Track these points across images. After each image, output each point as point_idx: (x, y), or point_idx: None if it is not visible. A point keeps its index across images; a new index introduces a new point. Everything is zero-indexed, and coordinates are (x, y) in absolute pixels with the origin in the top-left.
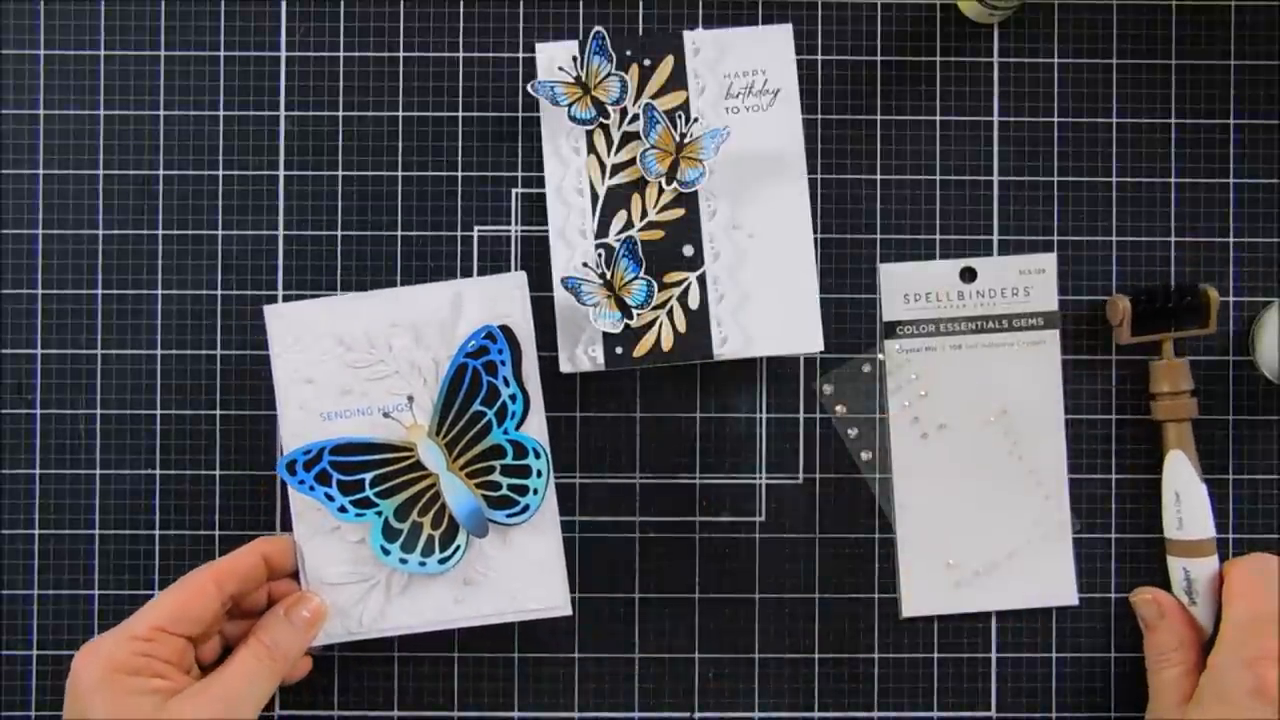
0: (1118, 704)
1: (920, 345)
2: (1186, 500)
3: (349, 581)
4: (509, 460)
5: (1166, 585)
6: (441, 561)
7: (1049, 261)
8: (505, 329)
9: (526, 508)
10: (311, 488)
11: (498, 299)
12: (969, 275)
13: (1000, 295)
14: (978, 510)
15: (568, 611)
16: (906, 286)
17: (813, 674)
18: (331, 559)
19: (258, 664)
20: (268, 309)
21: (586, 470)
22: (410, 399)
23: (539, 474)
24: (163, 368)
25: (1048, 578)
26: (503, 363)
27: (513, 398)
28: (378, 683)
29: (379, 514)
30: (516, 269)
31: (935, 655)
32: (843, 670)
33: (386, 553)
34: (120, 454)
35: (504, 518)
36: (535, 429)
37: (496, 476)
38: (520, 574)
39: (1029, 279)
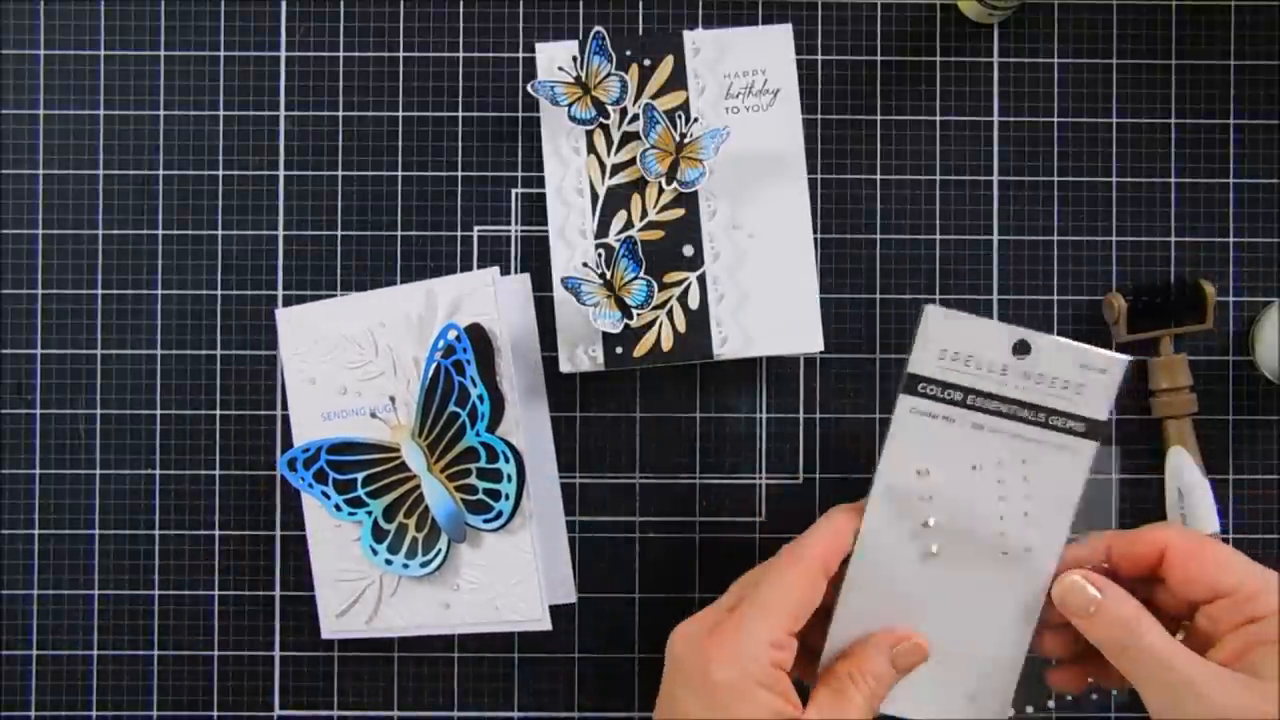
0: (1117, 703)
1: (939, 412)
2: (1190, 496)
3: (350, 579)
4: (483, 463)
5: None
6: (423, 564)
7: (1116, 365)
8: (473, 328)
9: (500, 514)
10: (310, 485)
11: (469, 296)
12: (1022, 348)
13: (1049, 383)
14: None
15: (547, 626)
16: (949, 341)
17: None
18: (336, 555)
19: (865, 703)
20: (279, 313)
21: (586, 470)
22: (393, 399)
23: (509, 478)
24: (163, 368)
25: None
26: (468, 362)
27: (480, 398)
28: (378, 683)
29: (369, 514)
30: (517, 269)
31: None
32: None
33: (375, 553)
34: (120, 454)
35: (481, 523)
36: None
37: (473, 480)
38: (499, 585)
39: (1087, 376)
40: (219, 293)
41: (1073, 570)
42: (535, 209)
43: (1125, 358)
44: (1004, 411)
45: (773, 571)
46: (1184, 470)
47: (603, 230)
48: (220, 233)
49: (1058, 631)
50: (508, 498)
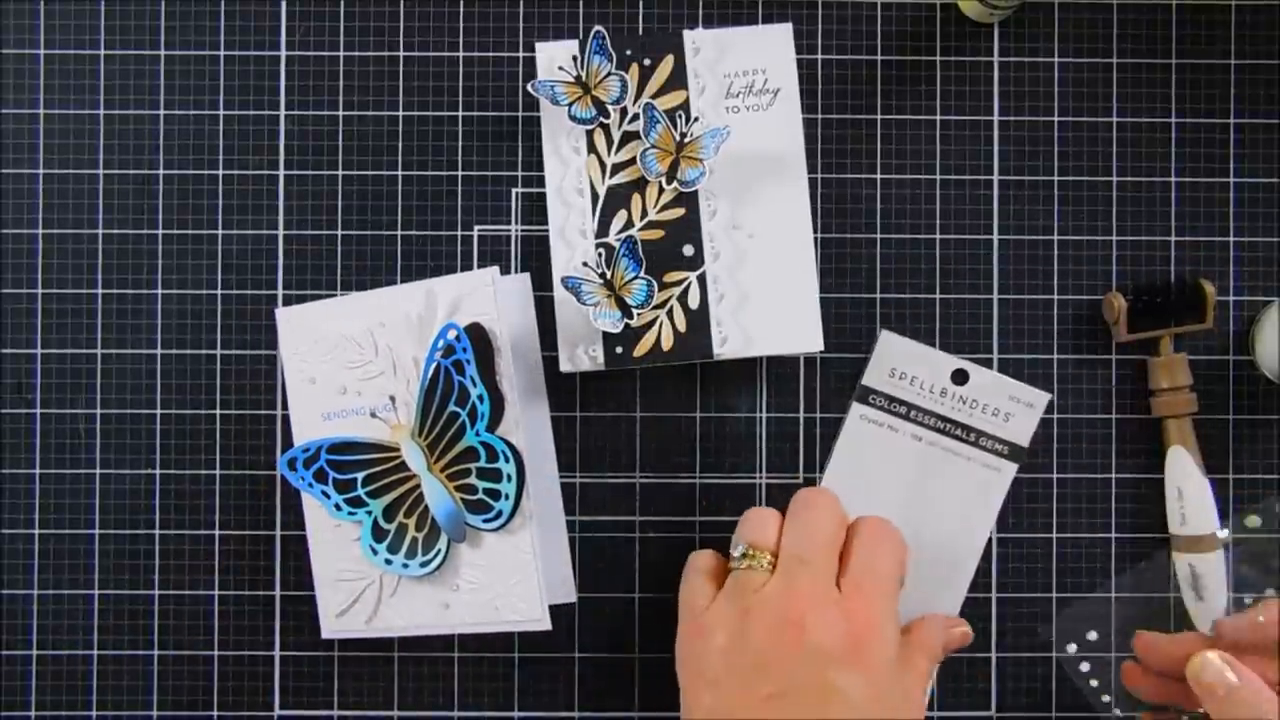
0: (1118, 704)
1: (884, 420)
2: (1189, 496)
3: (350, 579)
4: (482, 463)
5: (1168, 583)
6: (423, 564)
7: (1041, 400)
8: (473, 327)
9: (500, 513)
10: (310, 485)
11: (469, 296)
12: (961, 377)
13: (980, 410)
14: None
15: (547, 626)
16: (898, 362)
17: None
18: (336, 555)
19: (929, 671)
20: (279, 312)
21: (586, 470)
22: (392, 399)
23: (508, 478)
24: (163, 368)
25: None
26: (468, 362)
27: (480, 398)
28: (378, 683)
29: (369, 513)
30: (517, 269)
31: None
32: None
33: (375, 552)
34: (120, 454)
35: (480, 523)
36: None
37: (473, 480)
38: (500, 585)
39: (1015, 407)
40: (219, 292)
41: (1211, 650)
42: (535, 209)
43: (1047, 395)
44: (941, 428)
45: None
46: (1184, 470)
47: (603, 230)
48: (220, 233)
49: (1157, 679)
50: (507, 498)
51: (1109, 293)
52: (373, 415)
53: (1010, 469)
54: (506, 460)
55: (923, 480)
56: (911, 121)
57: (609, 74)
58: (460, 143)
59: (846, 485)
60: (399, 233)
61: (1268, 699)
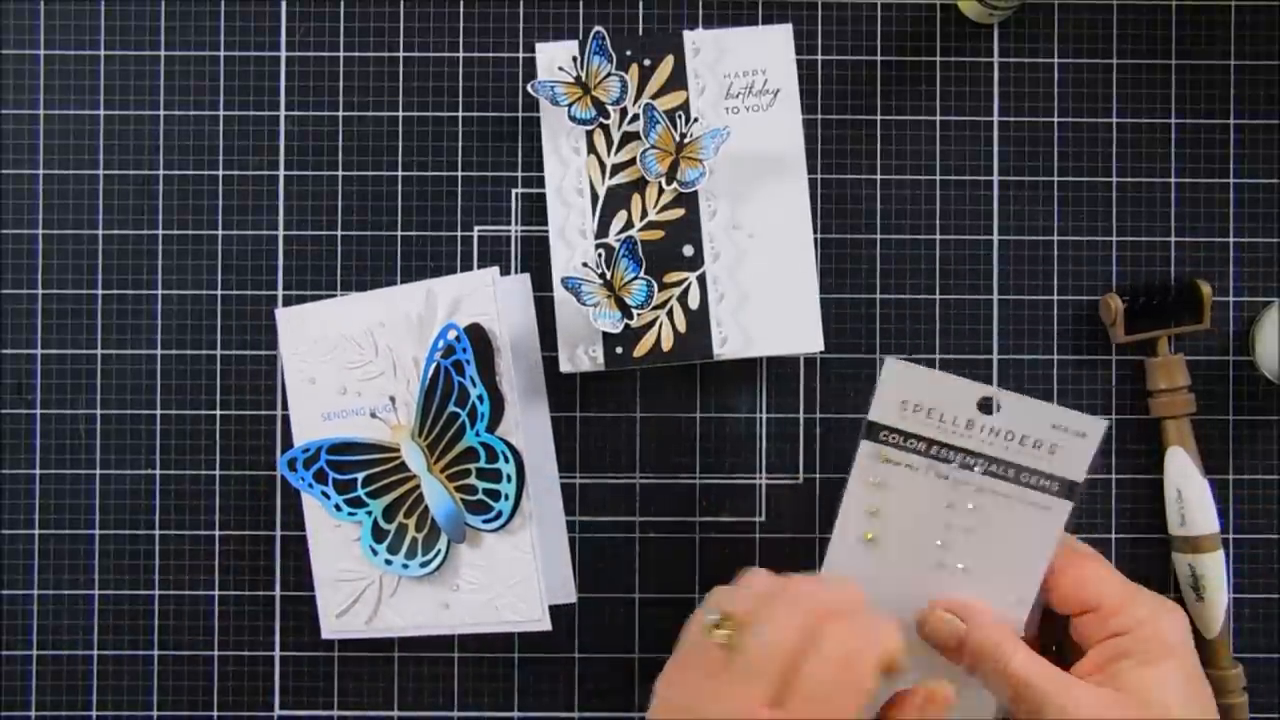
0: None
1: (900, 459)
2: (1188, 496)
3: (350, 579)
4: (482, 463)
5: (1168, 583)
6: (423, 565)
7: (1096, 428)
8: (472, 328)
9: (500, 514)
10: (310, 485)
11: (469, 296)
12: (990, 405)
13: (1018, 442)
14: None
15: (547, 626)
16: (910, 393)
17: None
18: (336, 555)
19: None
20: (279, 312)
21: (586, 470)
22: (392, 399)
23: (509, 478)
24: (163, 368)
25: None
26: (468, 362)
27: (480, 398)
28: (378, 683)
29: (369, 514)
30: (517, 269)
31: None
32: None
33: (375, 553)
34: (120, 454)
35: (480, 523)
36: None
37: (473, 480)
38: (500, 585)
39: (1061, 437)
40: (219, 293)
41: (936, 604)
42: (535, 209)
43: (1104, 421)
44: (971, 465)
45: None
46: (1182, 470)
47: (603, 230)
48: (220, 233)
49: None
50: (507, 498)
51: (1106, 294)
52: (373, 415)
53: (1064, 508)
54: (506, 461)
55: (955, 527)
56: (911, 121)
57: (609, 74)
58: (460, 143)
59: (859, 541)
60: (399, 233)
61: (997, 631)
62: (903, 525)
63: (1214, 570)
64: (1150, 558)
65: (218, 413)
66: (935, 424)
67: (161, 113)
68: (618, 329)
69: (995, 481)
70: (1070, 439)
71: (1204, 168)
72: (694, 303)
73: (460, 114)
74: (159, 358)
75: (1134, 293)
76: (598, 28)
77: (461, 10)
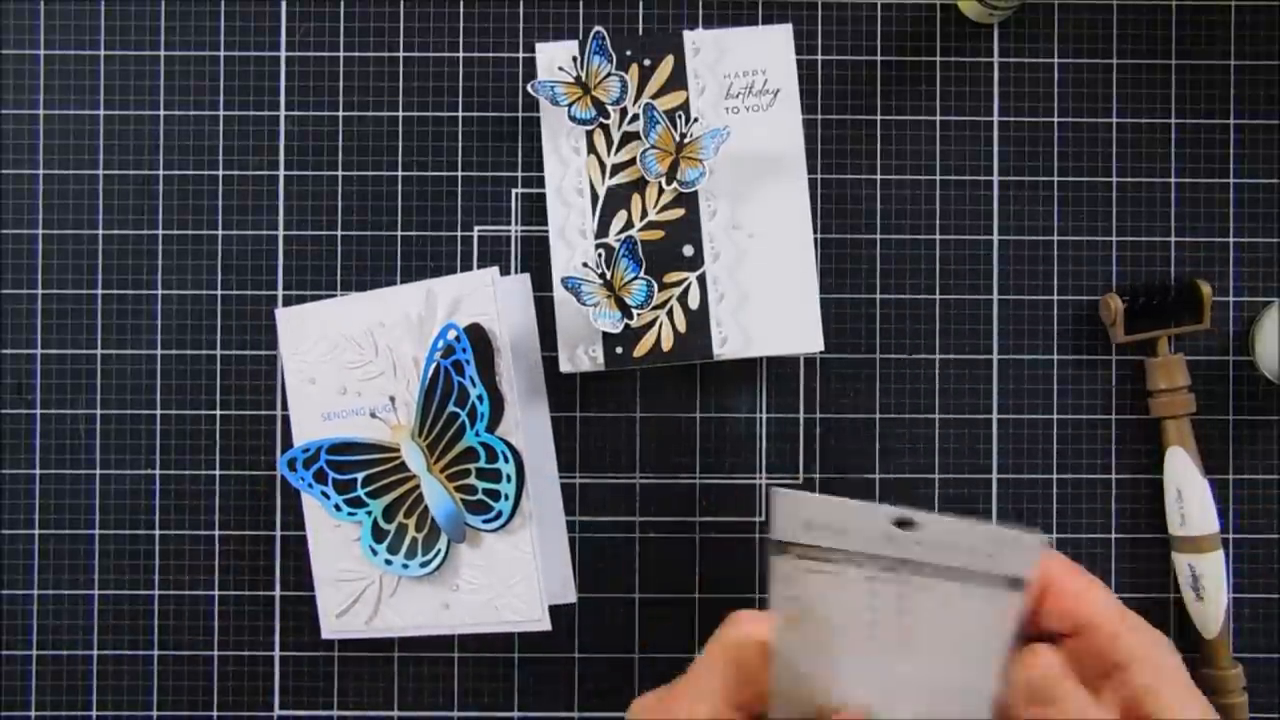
0: None
1: (819, 568)
2: (1188, 496)
3: (350, 579)
4: (482, 463)
5: (1168, 583)
6: (423, 565)
7: (1033, 542)
8: (472, 328)
9: (500, 514)
10: (310, 485)
11: (468, 296)
12: (908, 523)
13: (949, 549)
14: None
15: (546, 626)
16: (812, 516)
17: None
18: (336, 555)
19: None
20: (279, 312)
21: (586, 470)
22: (392, 399)
23: (508, 478)
24: (163, 368)
25: None
26: (467, 362)
27: (480, 398)
28: (378, 683)
29: (369, 514)
30: (517, 269)
31: None
32: None
33: (375, 553)
34: (120, 454)
35: (480, 523)
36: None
37: (473, 480)
38: (499, 585)
39: (999, 548)
40: (219, 293)
41: (1033, 649)
42: (535, 209)
43: (1043, 536)
44: (896, 570)
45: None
46: (1182, 471)
47: (603, 230)
48: (220, 233)
49: None
50: (507, 498)
51: (1106, 294)
52: (373, 415)
53: (1014, 600)
54: (506, 461)
55: (892, 628)
56: (911, 121)
57: (609, 74)
58: (460, 143)
59: (795, 650)
60: (399, 233)
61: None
62: (832, 629)
63: (1214, 570)
64: (1150, 558)
65: (218, 413)
66: (850, 538)
67: (161, 113)
68: (618, 329)
69: (932, 581)
70: (1008, 548)
71: (1204, 168)
72: (694, 303)
73: (460, 114)
74: (159, 358)
75: (1134, 293)
76: (598, 28)
77: (461, 10)
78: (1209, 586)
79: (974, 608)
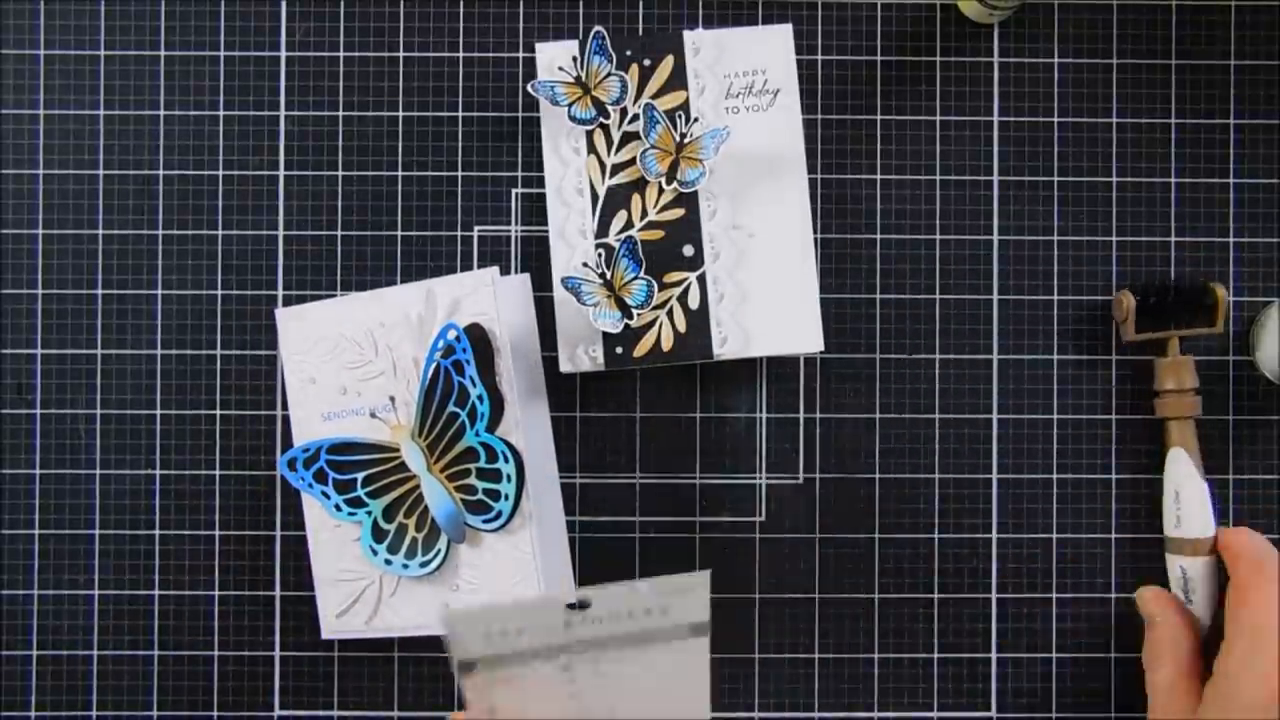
0: (1118, 704)
1: (507, 673)
2: (1185, 498)
3: (350, 579)
4: (482, 463)
5: (1167, 584)
6: (423, 565)
7: (699, 581)
8: (472, 328)
9: (500, 514)
10: (310, 485)
11: (469, 296)
12: (582, 603)
13: (627, 617)
14: None
15: None
16: (487, 627)
17: (813, 674)
18: (336, 555)
19: None
20: (279, 312)
21: (586, 470)
22: (392, 399)
23: (508, 478)
24: (163, 368)
25: None
26: (467, 362)
27: (480, 398)
28: (378, 683)
29: (369, 514)
30: (517, 269)
31: (935, 655)
32: (843, 670)
33: (375, 553)
34: (120, 454)
35: (480, 523)
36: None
37: (473, 480)
38: (499, 585)
39: (669, 601)
40: (219, 293)
41: (1151, 588)
42: (535, 209)
43: (705, 573)
44: (589, 649)
45: None
46: (1183, 472)
47: (603, 230)
48: (220, 233)
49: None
50: (507, 498)
51: (1119, 291)
52: (373, 415)
53: (701, 645)
54: (506, 461)
55: (597, 697)
56: (911, 121)
57: (609, 74)
58: (460, 143)
59: None
60: (399, 233)
61: (1174, 642)
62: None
63: (1204, 574)
64: (1150, 558)
65: (218, 413)
66: (529, 636)
67: (161, 113)
68: (618, 329)
69: (619, 652)
70: (676, 600)
71: (1204, 168)
72: (694, 303)
73: (460, 114)
74: (159, 358)
75: (1146, 291)
76: (598, 28)
77: (461, 10)
78: (1198, 590)
79: (667, 661)
